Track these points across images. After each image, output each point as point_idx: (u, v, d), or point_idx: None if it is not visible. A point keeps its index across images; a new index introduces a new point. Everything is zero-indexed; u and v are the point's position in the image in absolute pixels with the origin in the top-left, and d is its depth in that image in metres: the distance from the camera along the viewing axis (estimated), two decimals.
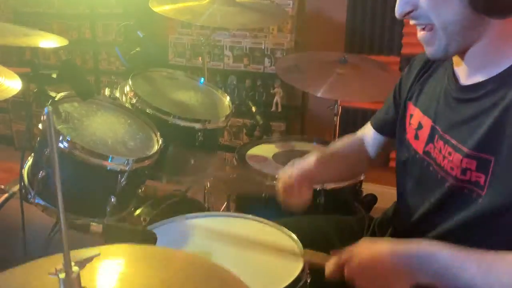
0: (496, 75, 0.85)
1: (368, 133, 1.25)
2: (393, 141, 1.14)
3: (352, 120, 2.64)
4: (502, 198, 0.82)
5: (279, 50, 2.71)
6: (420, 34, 0.90)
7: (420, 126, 1.02)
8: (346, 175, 1.44)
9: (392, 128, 1.14)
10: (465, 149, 0.87)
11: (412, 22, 0.90)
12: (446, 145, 0.92)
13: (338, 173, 1.29)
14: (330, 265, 0.91)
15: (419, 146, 1.02)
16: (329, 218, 1.27)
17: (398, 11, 0.89)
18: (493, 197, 0.83)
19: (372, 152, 1.25)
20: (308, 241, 1.05)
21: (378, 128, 1.22)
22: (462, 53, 0.91)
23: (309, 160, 1.17)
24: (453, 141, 0.90)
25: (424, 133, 1.00)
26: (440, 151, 0.94)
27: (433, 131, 0.98)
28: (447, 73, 0.97)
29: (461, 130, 0.89)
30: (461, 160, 0.87)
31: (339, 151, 1.27)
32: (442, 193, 0.93)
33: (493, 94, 0.84)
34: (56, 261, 0.53)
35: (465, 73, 0.92)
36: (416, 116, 1.04)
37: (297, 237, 1.08)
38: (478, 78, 0.88)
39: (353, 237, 1.20)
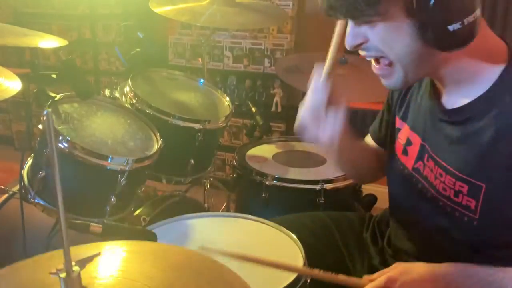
0: (476, 98, 0.83)
1: (369, 142, 1.23)
2: None
3: (352, 120, 2.64)
4: (495, 225, 0.82)
5: (279, 50, 2.71)
6: (376, 68, 0.88)
7: (409, 142, 1.01)
8: (362, 166, 1.24)
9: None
10: (456, 172, 0.86)
11: (362, 53, 0.88)
12: (437, 166, 0.92)
13: (360, 156, 1.18)
14: None
15: (408, 162, 1.01)
16: (330, 214, 1.26)
17: (348, 43, 0.87)
18: (487, 222, 0.83)
19: (381, 158, 1.21)
20: (310, 237, 1.05)
21: (376, 140, 1.20)
22: (433, 76, 0.90)
23: None
24: (443, 163, 0.90)
25: (414, 150, 0.99)
26: (431, 171, 0.93)
27: (422, 149, 0.97)
28: (428, 90, 0.96)
29: (450, 152, 0.89)
30: (454, 183, 0.87)
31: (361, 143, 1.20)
32: (435, 212, 0.92)
33: (478, 119, 0.83)
34: (57, 257, 0.53)
35: (445, 92, 0.91)
36: (404, 132, 1.03)
37: (299, 233, 1.08)
38: (460, 101, 0.87)
39: (354, 233, 1.21)
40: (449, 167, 0.88)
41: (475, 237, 0.86)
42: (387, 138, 1.12)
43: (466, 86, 0.85)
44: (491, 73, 0.82)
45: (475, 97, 0.84)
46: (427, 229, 0.96)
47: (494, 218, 0.82)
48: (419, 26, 0.77)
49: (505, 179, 0.79)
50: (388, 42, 0.82)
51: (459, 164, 0.86)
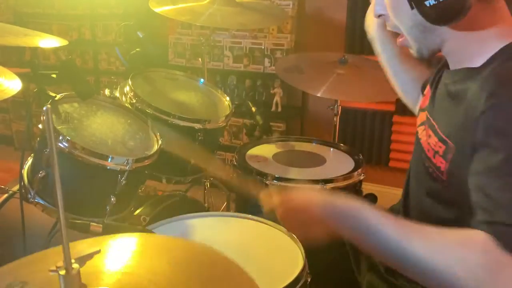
0: (470, 67, 0.85)
1: None
2: None
3: (352, 120, 2.64)
4: (459, 188, 0.81)
5: (279, 50, 2.71)
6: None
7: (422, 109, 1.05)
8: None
9: None
10: (439, 132, 0.89)
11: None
12: (429, 128, 0.94)
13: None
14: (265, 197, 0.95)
15: (419, 130, 1.04)
16: None
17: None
18: (452, 185, 0.85)
19: None
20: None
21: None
22: (442, 50, 0.93)
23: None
24: (434, 123, 0.93)
25: (421, 117, 1.03)
26: (427, 135, 0.96)
27: (427, 116, 1.00)
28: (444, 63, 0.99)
29: (441, 111, 0.92)
30: (436, 143, 0.89)
31: None
32: (428, 177, 0.93)
33: (463, 82, 0.85)
34: (56, 253, 0.53)
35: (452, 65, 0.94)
36: (423, 99, 1.07)
37: None
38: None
39: None
40: (436, 126, 0.91)
41: (447, 201, 0.89)
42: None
43: (468, 62, 0.86)
44: (495, 47, 0.82)
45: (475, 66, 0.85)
46: (430, 206, 0.96)
47: (459, 183, 0.81)
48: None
49: (471, 145, 0.78)
50: (397, 16, 0.90)
51: (444, 122, 0.89)
